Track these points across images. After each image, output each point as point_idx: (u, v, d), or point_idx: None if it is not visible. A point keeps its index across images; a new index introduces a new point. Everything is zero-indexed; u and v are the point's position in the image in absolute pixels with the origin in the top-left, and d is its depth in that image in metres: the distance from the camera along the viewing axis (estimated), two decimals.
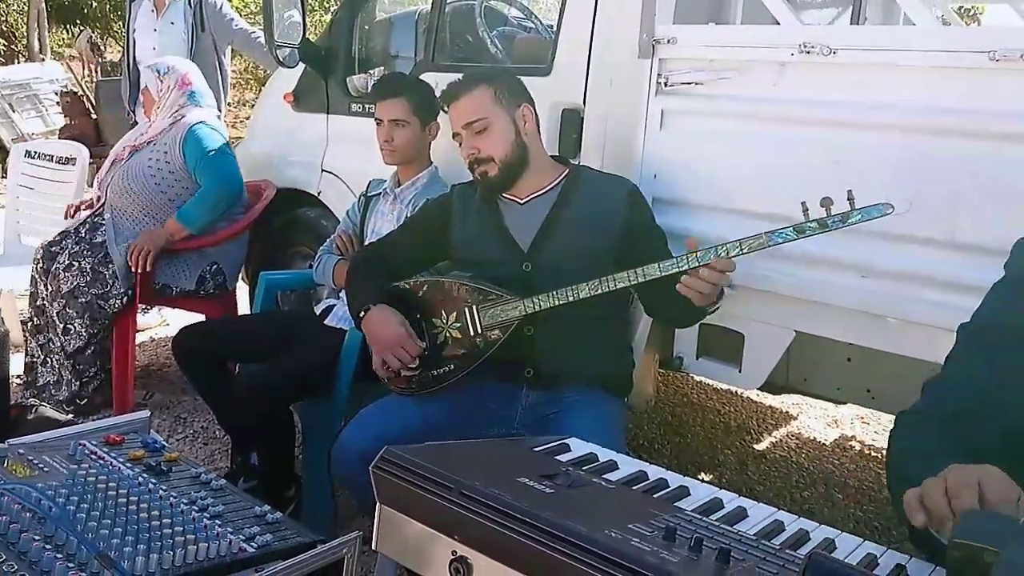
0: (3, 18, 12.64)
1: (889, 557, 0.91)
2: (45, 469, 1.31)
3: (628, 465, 1.11)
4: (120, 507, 1.21)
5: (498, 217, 2.09)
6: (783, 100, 2.00)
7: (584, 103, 2.41)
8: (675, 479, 1.08)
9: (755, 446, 3.47)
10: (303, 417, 2.60)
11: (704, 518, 0.93)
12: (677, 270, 1.79)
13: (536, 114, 2.10)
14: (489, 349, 2.01)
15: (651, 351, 2.48)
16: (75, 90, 9.05)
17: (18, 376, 3.28)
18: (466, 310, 2.02)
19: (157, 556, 1.09)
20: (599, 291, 1.88)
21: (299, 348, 2.48)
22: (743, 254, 1.72)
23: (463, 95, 2.05)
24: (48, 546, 1.07)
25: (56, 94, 9.01)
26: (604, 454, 1.13)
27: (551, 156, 2.17)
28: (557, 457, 1.08)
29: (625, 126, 2.29)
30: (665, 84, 2.17)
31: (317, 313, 2.68)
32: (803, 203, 1.67)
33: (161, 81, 3.15)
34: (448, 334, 2.04)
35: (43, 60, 10.18)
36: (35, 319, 3.13)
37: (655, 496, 1.00)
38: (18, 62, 10.05)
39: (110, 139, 8.50)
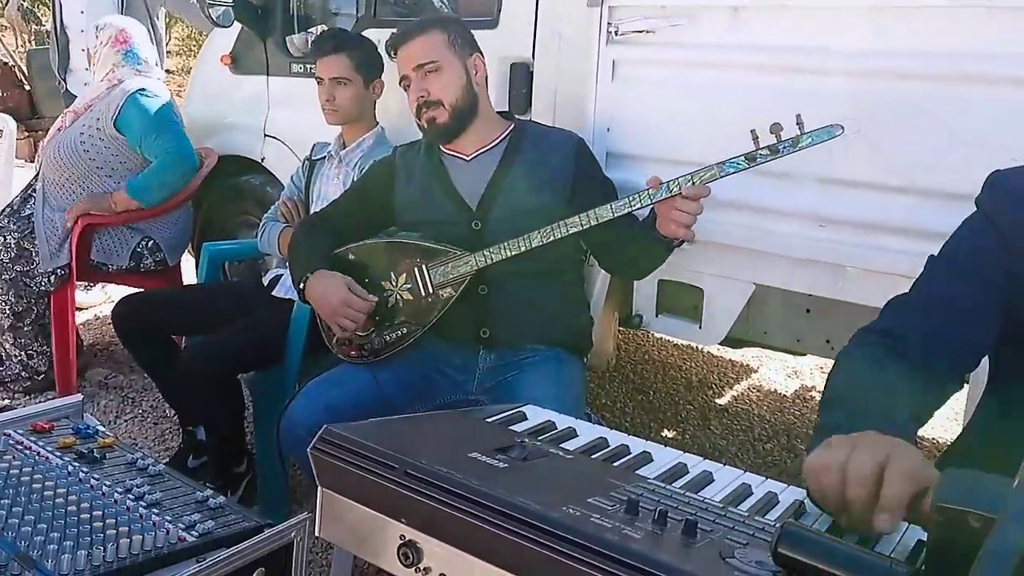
0: None
1: None
2: None
3: (587, 432, 1.05)
4: (46, 501, 1.13)
5: (444, 175, 2.02)
6: (736, 46, 1.93)
7: (533, 56, 2.33)
8: (637, 444, 1.03)
9: (717, 400, 3.47)
10: (253, 390, 2.51)
11: (668, 486, 0.87)
12: (629, 208, 1.75)
13: (486, 66, 2.02)
14: (442, 308, 1.94)
15: (610, 310, 2.43)
16: (5, 60, 8.64)
17: None
18: (415, 270, 1.95)
19: (86, 552, 1.02)
20: (551, 237, 1.82)
21: (247, 319, 2.39)
22: (695, 184, 1.67)
23: (416, 36, 1.98)
24: None
25: None
26: (562, 421, 1.08)
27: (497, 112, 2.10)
28: (512, 427, 1.02)
29: (576, 79, 2.21)
30: (616, 33, 2.09)
31: (265, 283, 2.58)
32: (752, 131, 1.62)
33: (97, 38, 2.98)
34: (399, 296, 1.97)
35: None
36: None
37: (616, 464, 0.95)
38: None
39: (45, 111, 8.16)
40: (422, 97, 1.97)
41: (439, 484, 0.77)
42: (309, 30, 3.15)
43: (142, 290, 2.93)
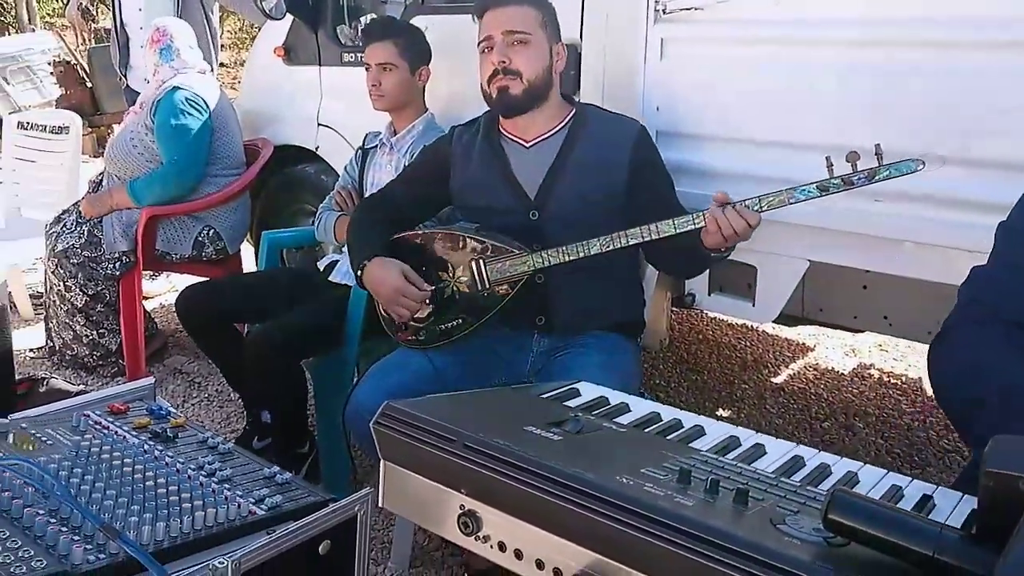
0: None
1: (914, 488, 0.87)
2: (48, 442, 1.29)
3: (640, 407, 1.07)
4: (125, 477, 1.20)
5: (503, 161, 2.02)
6: (785, 21, 1.91)
7: (580, 37, 2.33)
8: (689, 419, 1.04)
9: (773, 380, 3.44)
10: (314, 374, 2.58)
11: (720, 458, 0.89)
12: (693, 227, 1.73)
13: (566, 59, 2.03)
14: (497, 304, 1.96)
15: (662, 291, 2.43)
16: (68, 59, 8.91)
17: (39, 348, 3.31)
18: (473, 264, 1.96)
19: (164, 524, 1.08)
20: (610, 247, 1.81)
21: (305, 305, 2.46)
22: (763, 210, 1.65)
23: (512, 4, 1.95)
24: (52, 520, 1.05)
25: (49, 64, 8.89)
26: (615, 397, 1.10)
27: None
28: (566, 403, 1.04)
29: (624, 59, 2.20)
30: (663, 11, 2.08)
31: (321, 269, 2.64)
32: (827, 158, 1.59)
33: (160, 38, 3.08)
34: (455, 288, 2.00)
35: (33, 30, 10.03)
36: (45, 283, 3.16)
37: (668, 438, 0.97)
38: (8, 34, 9.90)
39: (107, 107, 8.40)
40: (503, 63, 1.93)
41: (497, 456, 0.80)
42: (359, 20, 3.19)
43: (204, 279, 3.03)
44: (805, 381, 3.43)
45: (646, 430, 0.98)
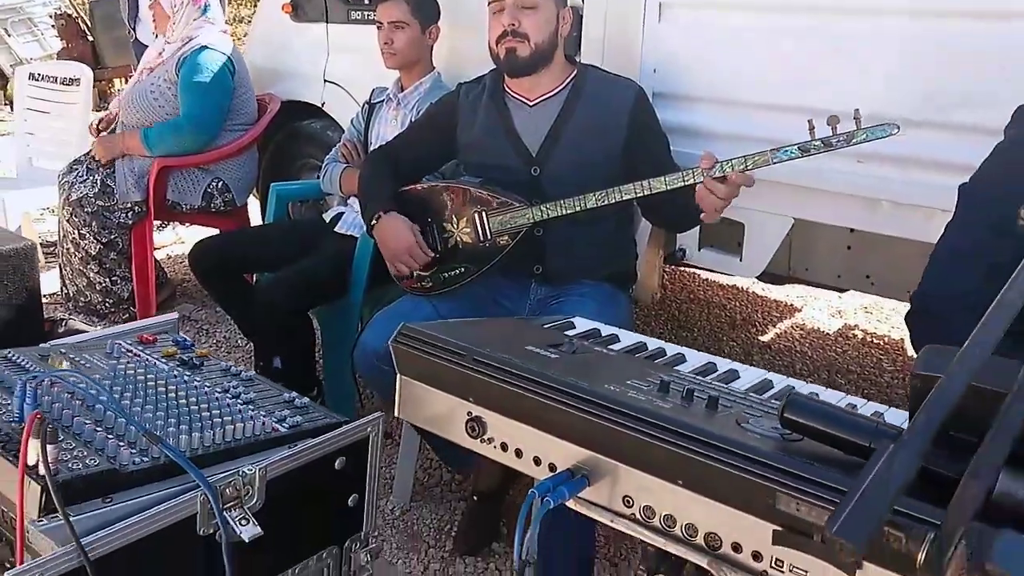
0: None
1: (868, 407, 0.99)
2: (87, 365, 1.41)
3: (628, 338, 1.18)
4: (160, 395, 1.31)
5: (507, 119, 2.11)
6: None
7: (582, 0, 2.41)
8: (673, 348, 1.16)
9: (760, 338, 3.57)
10: (321, 322, 2.69)
11: (697, 377, 1.01)
12: (682, 184, 1.83)
13: (571, 23, 2.11)
14: (498, 254, 2.07)
15: (655, 246, 2.54)
16: (70, 12, 8.90)
17: (53, 293, 3.41)
18: (475, 216, 2.07)
19: (198, 435, 1.19)
20: (605, 201, 1.92)
21: (313, 255, 2.56)
22: (748, 170, 1.75)
23: None
24: (99, 428, 1.17)
25: (50, 17, 8.88)
26: (607, 329, 1.21)
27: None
28: (563, 332, 1.16)
29: (623, 22, 2.29)
30: None
31: (327, 220, 2.74)
32: (809, 120, 1.69)
33: None
34: (459, 238, 2.11)
35: None
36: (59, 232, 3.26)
37: (654, 361, 1.08)
38: None
39: (108, 60, 8.42)
40: (512, 26, 2.01)
41: (501, 368, 0.91)
42: None
43: (215, 232, 3.13)
44: (791, 339, 3.56)
45: (634, 355, 1.10)
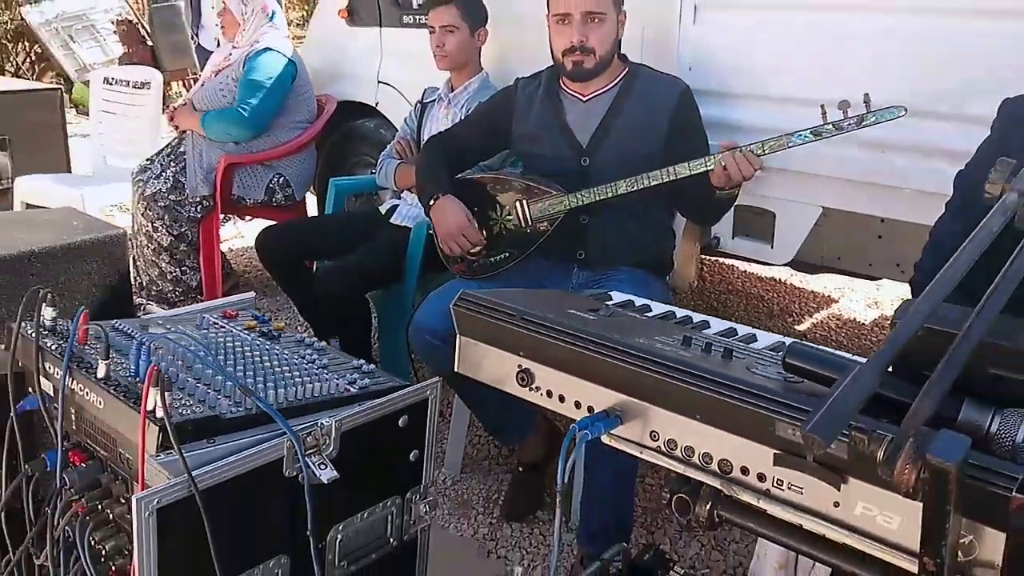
0: None
1: None
2: (187, 336, 1.60)
3: (659, 308, 1.33)
4: (247, 358, 1.49)
5: (560, 112, 2.24)
6: None
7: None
8: (699, 316, 1.31)
9: (796, 327, 3.68)
10: (377, 305, 2.88)
11: (719, 336, 1.16)
12: (704, 169, 1.97)
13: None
14: (538, 239, 2.23)
15: (691, 235, 2.68)
16: (130, 18, 9.27)
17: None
18: (517, 204, 2.23)
19: (283, 391, 1.37)
20: (635, 187, 2.07)
21: (370, 244, 2.75)
22: (765, 154, 1.89)
23: None
24: (199, 383, 1.35)
25: (112, 23, 9.25)
26: (640, 301, 1.36)
27: None
28: (601, 301, 1.31)
29: (661, 22, 2.43)
30: None
31: (383, 212, 2.93)
32: (822, 106, 1.82)
33: (245, 5, 3.36)
34: (503, 225, 2.27)
35: None
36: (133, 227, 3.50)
37: (681, 324, 1.23)
38: None
39: (167, 64, 8.76)
40: (582, 42, 2.11)
41: (547, 325, 1.07)
42: None
43: (275, 222, 3.34)
44: (827, 329, 3.66)
45: (662, 319, 1.25)
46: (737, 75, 2.31)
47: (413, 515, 1.58)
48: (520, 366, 1.12)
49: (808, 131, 1.85)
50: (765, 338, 1.23)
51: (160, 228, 3.34)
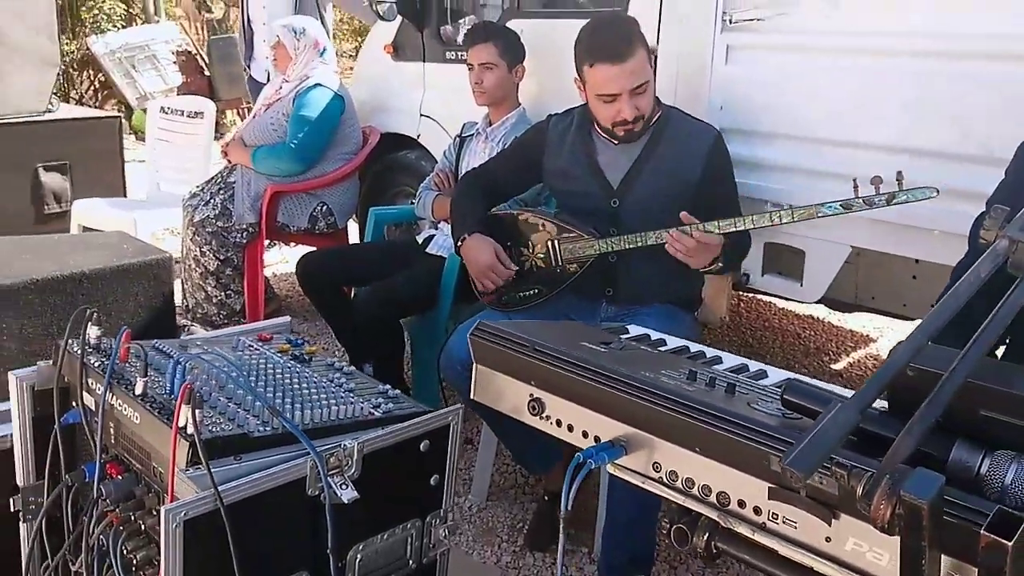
0: None
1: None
2: (222, 357, 1.67)
3: (673, 342, 1.37)
4: (277, 380, 1.55)
5: (592, 152, 2.27)
6: (835, 32, 2.16)
7: (657, 41, 2.61)
8: (713, 352, 1.34)
9: (832, 366, 3.65)
10: (411, 331, 2.95)
11: (727, 372, 1.19)
12: (733, 229, 1.99)
13: None
14: (567, 280, 2.28)
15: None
16: (189, 49, 9.62)
17: (177, 306, 3.79)
18: (549, 243, 2.28)
19: (309, 412, 1.43)
20: (663, 240, 2.07)
21: (406, 272, 2.82)
22: (793, 222, 1.92)
23: (630, 58, 2.07)
24: (231, 402, 1.42)
25: (172, 53, 9.62)
26: (656, 335, 1.39)
27: None
28: (616, 334, 1.35)
29: (694, 62, 2.48)
30: (730, 21, 2.35)
31: (420, 241, 3.00)
32: (854, 180, 1.84)
33: (298, 40, 3.50)
34: (534, 262, 2.32)
35: (158, 21, 10.81)
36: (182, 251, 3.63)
37: (692, 359, 1.26)
38: (136, 24, 10.71)
39: (222, 94, 9.08)
40: (636, 115, 2.12)
41: (558, 356, 1.11)
42: (460, 21, 3.54)
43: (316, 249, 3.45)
44: (864, 368, 3.62)
45: (674, 353, 1.29)
46: (767, 115, 2.34)
47: (433, 539, 1.61)
48: (532, 395, 1.16)
49: (839, 203, 1.87)
50: (775, 375, 1.26)
51: (207, 253, 3.46)
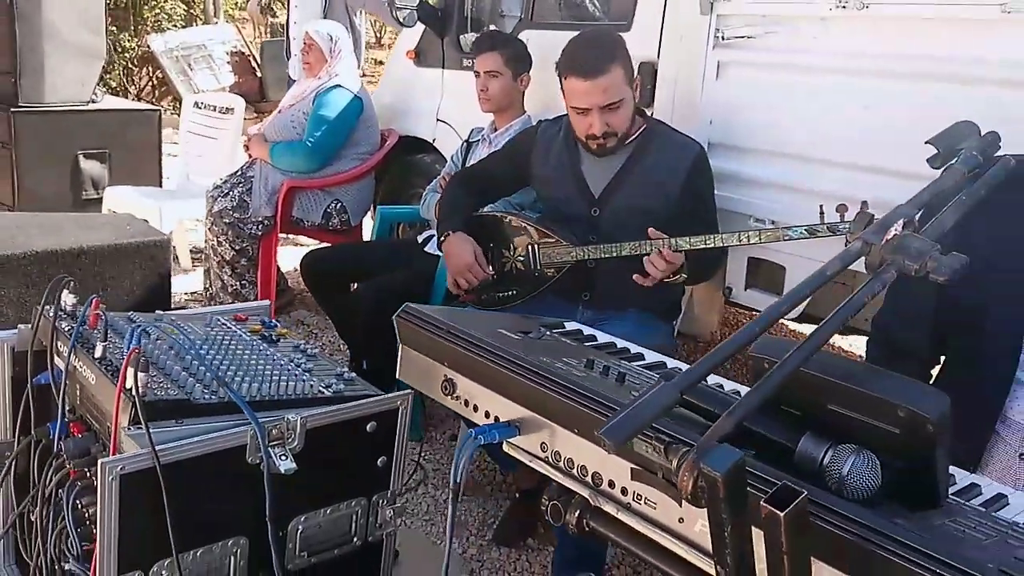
0: None
1: None
2: (187, 330, 1.76)
3: (603, 338, 1.41)
4: (236, 356, 1.63)
5: (576, 161, 2.33)
6: (823, 51, 2.18)
7: (658, 57, 2.65)
8: (637, 348, 1.38)
9: None
10: None
11: (627, 363, 1.23)
12: (703, 246, 2.03)
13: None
14: (544, 284, 2.33)
15: (714, 284, 2.72)
16: (243, 51, 9.91)
17: (194, 292, 3.94)
18: (529, 247, 2.34)
19: (257, 386, 1.51)
20: (638, 252, 2.11)
21: (404, 269, 2.90)
22: (761, 243, 1.95)
23: (603, 75, 2.11)
24: (183, 371, 1.50)
25: (228, 54, 9.92)
26: (588, 330, 1.44)
27: None
28: (547, 327, 1.40)
29: (689, 77, 2.52)
30: (722, 38, 2.38)
31: (419, 241, 3.08)
32: (820, 206, 1.86)
33: (333, 43, 3.62)
34: (514, 264, 2.38)
35: (216, 22, 11.16)
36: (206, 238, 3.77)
37: (608, 352, 1.31)
38: (195, 25, 11.07)
39: (272, 95, 9.33)
40: (605, 130, 2.17)
41: (468, 340, 1.17)
42: (480, 29, 3.63)
43: (324, 245, 3.56)
44: None
45: (587, 344, 1.33)
46: (756, 131, 2.37)
47: (379, 518, 1.67)
48: (445, 376, 1.22)
49: (804, 228, 1.90)
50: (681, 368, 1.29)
51: (224, 243, 3.59)
